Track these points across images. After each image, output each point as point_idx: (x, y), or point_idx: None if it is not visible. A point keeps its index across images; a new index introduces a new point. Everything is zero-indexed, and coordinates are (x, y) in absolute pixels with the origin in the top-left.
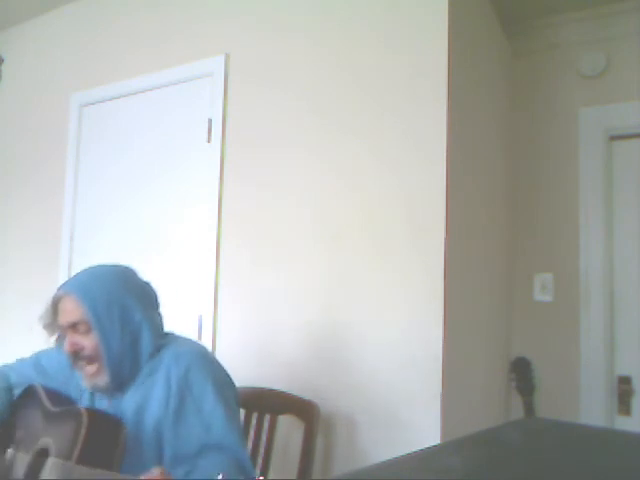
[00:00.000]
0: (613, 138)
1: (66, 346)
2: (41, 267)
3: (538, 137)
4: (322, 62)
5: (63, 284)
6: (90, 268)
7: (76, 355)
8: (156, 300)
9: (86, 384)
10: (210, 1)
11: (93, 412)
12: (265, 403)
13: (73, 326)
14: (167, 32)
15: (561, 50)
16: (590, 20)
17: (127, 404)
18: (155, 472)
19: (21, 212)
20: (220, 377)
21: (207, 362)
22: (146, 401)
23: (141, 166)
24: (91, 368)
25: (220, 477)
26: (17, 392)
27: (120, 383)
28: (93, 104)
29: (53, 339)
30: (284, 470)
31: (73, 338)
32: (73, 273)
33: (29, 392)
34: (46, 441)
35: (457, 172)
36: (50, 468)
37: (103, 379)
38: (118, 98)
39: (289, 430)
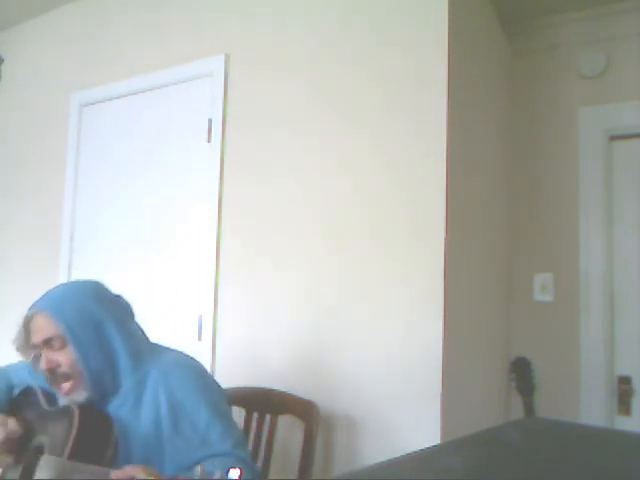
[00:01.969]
0: (613, 138)
1: (42, 364)
2: (41, 267)
3: (538, 137)
4: (322, 62)
5: (32, 304)
6: (59, 286)
7: (53, 373)
8: (130, 311)
9: (64, 400)
10: (210, 1)
11: (84, 408)
12: (265, 403)
13: (47, 342)
14: (167, 32)
15: (561, 50)
16: (590, 20)
17: (112, 417)
18: (130, 469)
19: (21, 212)
20: (209, 386)
21: (195, 374)
22: (133, 417)
23: (141, 166)
24: (67, 385)
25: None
26: (15, 392)
27: (101, 398)
28: (93, 104)
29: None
30: (284, 470)
31: (48, 355)
32: (73, 273)
33: (27, 393)
34: (41, 439)
35: (457, 172)
36: (43, 465)
37: (81, 395)
38: (118, 98)
39: (289, 430)
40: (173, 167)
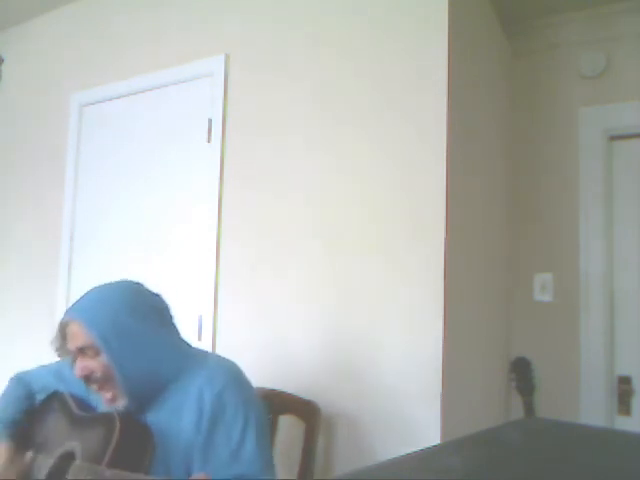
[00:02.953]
0: (613, 138)
1: (77, 371)
2: (41, 267)
3: (538, 137)
4: (322, 62)
5: (69, 309)
6: (95, 289)
7: (88, 379)
8: (168, 314)
9: (105, 407)
10: (210, 1)
11: (125, 417)
12: (266, 403)
13: (81, 350)
14: (167, 32)
15: (561, 50)
16: (590, 20)
17: (152, 422)
18: (200, 476)
19: (21, 212)
20: (252, 399)
21: (240, 384)
22: (175, 420)
23: (141, 166)
24: (108, 394)
25: None
26: (39, 397)
27: (140, 404)
28: (93, 104)
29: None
30: (285, 470)
31: (82, 362)
32: (73, 273)
33: (54, 398)
34: (72, 445)
35: (457, 172)
36: (75, 470)
37: (121, 403)
38: (118, 98)
39: (290, 430)
40: (173, 167)
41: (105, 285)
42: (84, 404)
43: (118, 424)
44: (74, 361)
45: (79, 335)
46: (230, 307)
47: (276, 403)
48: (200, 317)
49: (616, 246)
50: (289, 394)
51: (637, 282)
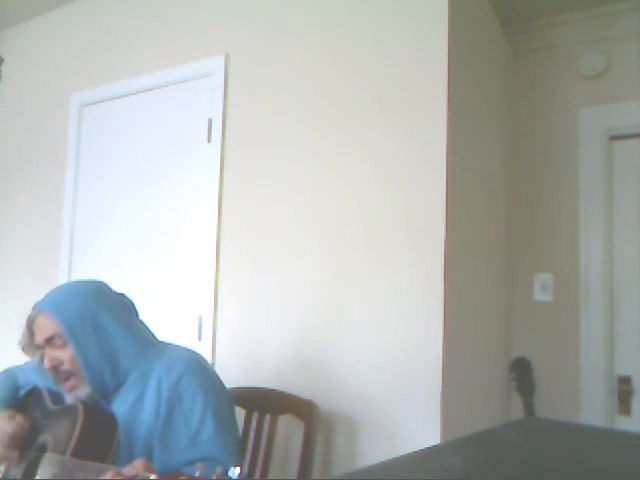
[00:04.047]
0: (613, 138)
1: (46, 363)
2: (41, 267)
3: (538, 137)
4: (322, 62)
5: (35, 304)
6: (61, 285)
7: (56, 370)
8: (133, 309)
9: (68, 398)
10: (210, 1)
11: (89, 406)
12: (265, 403)
13: (49, 341)
14: (167, 32)
15: (561, 50)
16: (590, 20)
17: (115, 413)
18: (138, 463)
19: (21, 212)
20: (212, 386)
21: (199, 371)
22: (136, 411)
23: (141, 166)
24: (70, 382)
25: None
26: (22, 393)
27: (104, 393)
28: (93, 104)
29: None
30: (284, 470)
31: (51, 354)
32: (74, 272)
33: (32, 393)
34: (44, 438)
35: (457, 172)
36: (45, 463)
37: (84, 391)
38: (118, 98)
39: (289, 430)
40: (173, 167)
41: (71, 281)
42: (59, 398)
43: (82, 413)
44: (42, 357)
45: (46, 326)
46: (230, 307)
47: (276, 403)
48: (200, 317)
49: (616, 246)
50: (289, 394)
51: (637, 282)
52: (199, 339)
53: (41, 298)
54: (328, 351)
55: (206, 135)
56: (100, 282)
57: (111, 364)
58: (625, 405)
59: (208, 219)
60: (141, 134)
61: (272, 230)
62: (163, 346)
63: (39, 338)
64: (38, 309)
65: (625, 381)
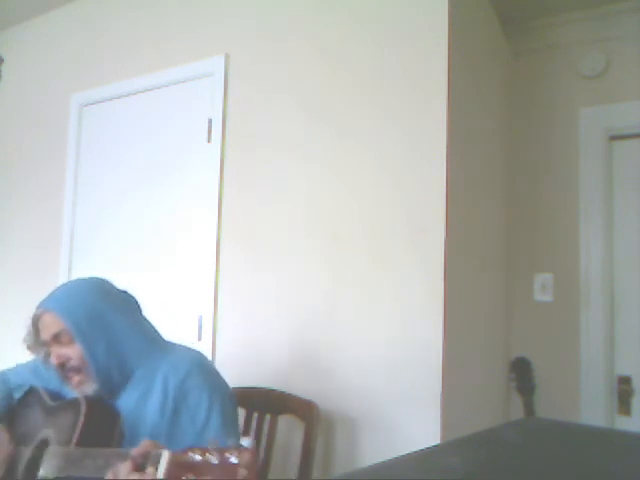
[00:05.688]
0: (613, 138)
1: (53, 360)
2: (41, 268)
3: (538, 137)
4: (322, 62)
5: (40, 303)
6: (65, 284)
7: (63, 367)
8: (137, 305)
9: (75, 394)
10: (210, 1)
11: (91, 399)
12: (265, 403)
13: (56, 338)
14: (167, 32)
15: (561, 50)
16: (590, 20)
17: (121, 409)
18: (146, 443)
19: (21, 212)
20: (217, 386)
21: (205, 371)
22: (142, 407)
23: (141, 166)
24: (76, 378)
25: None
26: (17, 395)
27: (110, 390)
28: (93, 104)
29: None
30: (284, 470)
31: (58, 350)
32: (74, 273)
33: (30, 392)
34: (46, 432)
35: (457, 172)
36: (49, 456)
37: (91, 387)
38: (118, 98)
39: (289, 430)
40: (173, 167)
41: (73, 280)
42: (58, 396)
43: (84, 406)
44: (47, 355)
45: (52, 323)
46: (230, 307)
47: (276, 403)
48: (200, 317)
49: (616, 246)
50: (289, 394)
51: (637, 282)
52: (199, 339)
53: (46, 296)
54: (328, 351)
55: (206, 135)
56: (103, 279)
57: (118, 361)
58: (625, 405)
59: (208, 219)
60: (141, 134)
61: (272, 230)
62: (169, 345)
63: (45, 335)
64: (44, 307)
65: (625, 381)
